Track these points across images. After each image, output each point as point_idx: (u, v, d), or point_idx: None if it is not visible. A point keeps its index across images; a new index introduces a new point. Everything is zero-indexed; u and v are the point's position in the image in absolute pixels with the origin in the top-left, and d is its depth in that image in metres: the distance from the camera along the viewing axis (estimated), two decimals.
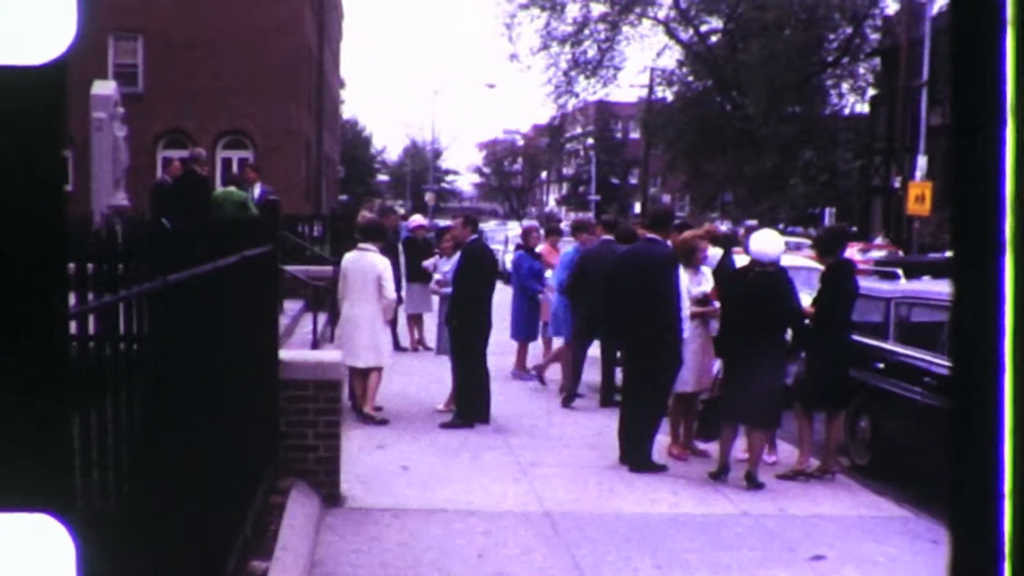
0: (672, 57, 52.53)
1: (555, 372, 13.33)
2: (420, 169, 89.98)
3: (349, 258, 10.88)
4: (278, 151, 34.36)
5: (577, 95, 52.84)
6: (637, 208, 64.12)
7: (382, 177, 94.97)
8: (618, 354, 11.43)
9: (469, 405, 10.81)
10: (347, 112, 77.27)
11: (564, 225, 22.60)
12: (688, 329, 9.43)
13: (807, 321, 9.26)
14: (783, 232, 14.18)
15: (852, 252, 20.67)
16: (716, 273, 10.17)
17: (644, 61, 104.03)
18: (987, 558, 1.17)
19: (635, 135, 76.38)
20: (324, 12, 44.73)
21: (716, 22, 50.91)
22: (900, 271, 17.92)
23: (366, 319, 10.59)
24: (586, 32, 50.21)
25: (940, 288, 9.88)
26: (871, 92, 51.40)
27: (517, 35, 63.78)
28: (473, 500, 8.12)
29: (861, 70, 51.17)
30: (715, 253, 10.67)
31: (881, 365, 9.73)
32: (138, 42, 34.58)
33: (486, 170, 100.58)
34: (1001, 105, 1.15)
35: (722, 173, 50.84)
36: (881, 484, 9.31)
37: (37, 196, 1.51)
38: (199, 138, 31.48)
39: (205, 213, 13.21)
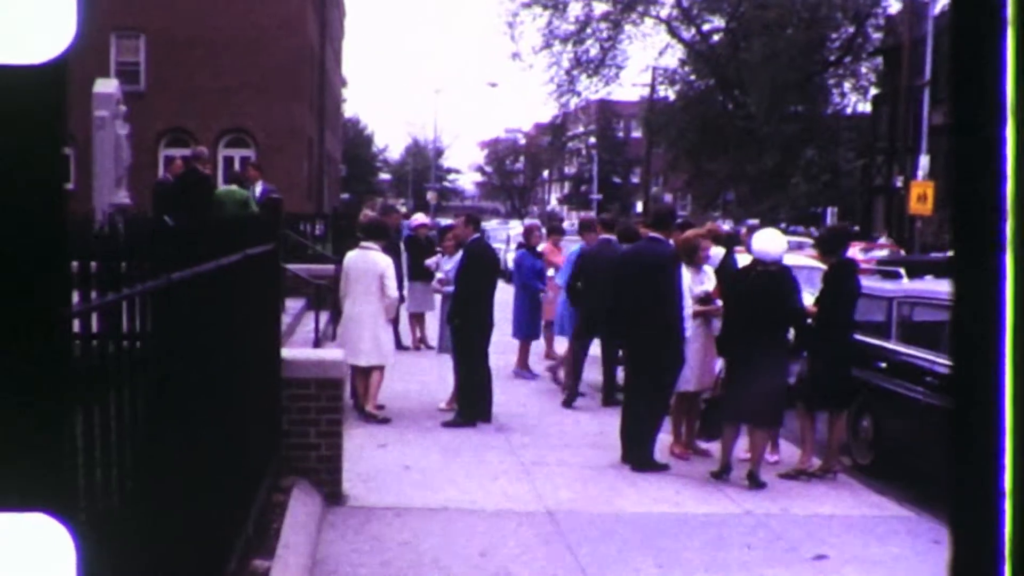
0: (674, 56, 52.53)
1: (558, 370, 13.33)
2: (422, 168, 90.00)
3: (351, 257, 10.88)
4: (280, 150, 34.37)
5: (579, 94, 52.83)
6: (639, 207, 64.13)
7: (384, 176, 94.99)
8: (620, 353, 11.43)
9: (471, 404, 10.81)
10: (349, 111, 77.40)
11: (568, 224, 22.61)
12: (690, 328, 9.43)
13: (809, 320, 9.26)
14: (784, 231, 14.16)
15: (854, 251, 20.66)
16: (718, 272, 10.17)
17: (646, 60, 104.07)
18: (987, 558, 1.17)
19: (637, 134, 76.39)
20: (326, 10, 44.72)
21: (718, 21, 50.89)
22: (902, 270, 17.92)
23: (368, 318, 10.59)
24: (588, 31, 50.18)
25: (942, 287, 9.87)
26: (873, 91, 51.38)
27: (519, 34, 63.66)
28: (475, 499, 8.13)
29: (863, 69, 51.14)
30: (717, 252, 10.66)
31: (883, 365, 9.73)
32: (140, 40, 34.61)
33: (488, 169, 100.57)
34: (1001, 105, 1.15)
35: (724, 172, 50.82)
36: (883, 484, 9.30)
37: (37, 196, 1.51)
38: (201, 136, 31.47)
39: (207, 211, 13.22)
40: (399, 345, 14.17)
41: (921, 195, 31.66)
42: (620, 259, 10.23)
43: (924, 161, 33.24)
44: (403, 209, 33.69)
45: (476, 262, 10.92)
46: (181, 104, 33.72)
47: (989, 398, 1.17)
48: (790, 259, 10.48)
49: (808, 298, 9.54)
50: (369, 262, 10.63)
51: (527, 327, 14.02)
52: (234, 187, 15.37)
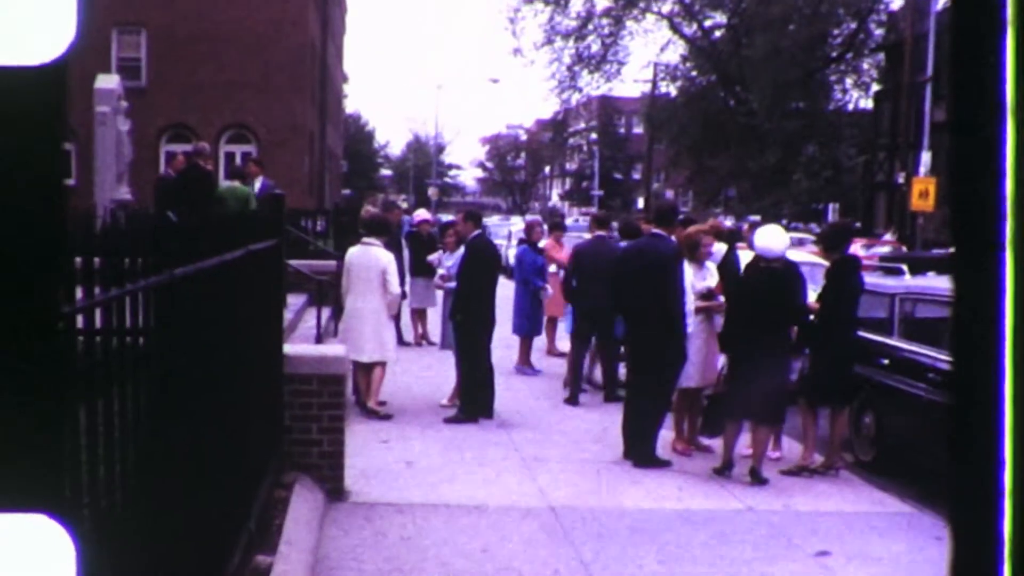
0: (676, 52, 52.56)
1: (559, 366, 13.34)
2: (423, 164, 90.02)
3: (353, 252, 10.88)
4: (281, 145, 34.35)
5: (580, 90, 52.88)
6: (640, 203, 64.11)
7: (385, 172, 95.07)
8: (621, 349, 11.43)
9: (473, 400, 10.82)
10: (350, 107, 77.43)
11: (573, 221, 22.58)
12: (692, 324, 9.43)
13: (812, 317, 9.26)
14: (786, 228, 14.10)
15: (856, 248, 20.63)
16: (720, 268, 10.17)
17: (648, 56, 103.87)
18: (987, 558, 1.18)
19: (638, 130, 76.40)
20: (328, 6, 44.69)
21: (720, 17, 50.91)
22: (905, 267, 17.91)
23: (370, 313, 10.60)
24: (590, 27, 50.20)
25: (944, 284, 9.87)
26: (875, 88, 51.32)
27: (521, 30, 63.87)
28: (477, 495, 8.13)
29: (865, 65, 51.12)
30: (719, 248, 10.66)
31: (885, 361, 9.73)
32: (141, 36, 34.58)
33: (489, 165, 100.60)
34: (1001, 105, 1.16)
35: (725, 168, 50.82)
36: (885, 480, 9.30)
37: (38, 196, 1.51)
38: (202, 132, 31.44)
39: (208, 207, 13.21)
40: (401, 341, 14.17)
41: (923, 191, 31.63)
42: (622, 255, 10.23)
43: (926, 157, 33.20)
44: (404, 205, 33.72)
45: (478, 258, 10.92)
46: (182, 100, 33.70)
47: (989, 398, 1.17)
48: (791, 256, 10.48)
49: (810, 295, 9.54)
50: (371, 258, 10.63)
51: (528, 324, 14.02)
52: (236, 184, 15.37)
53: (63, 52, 1.48)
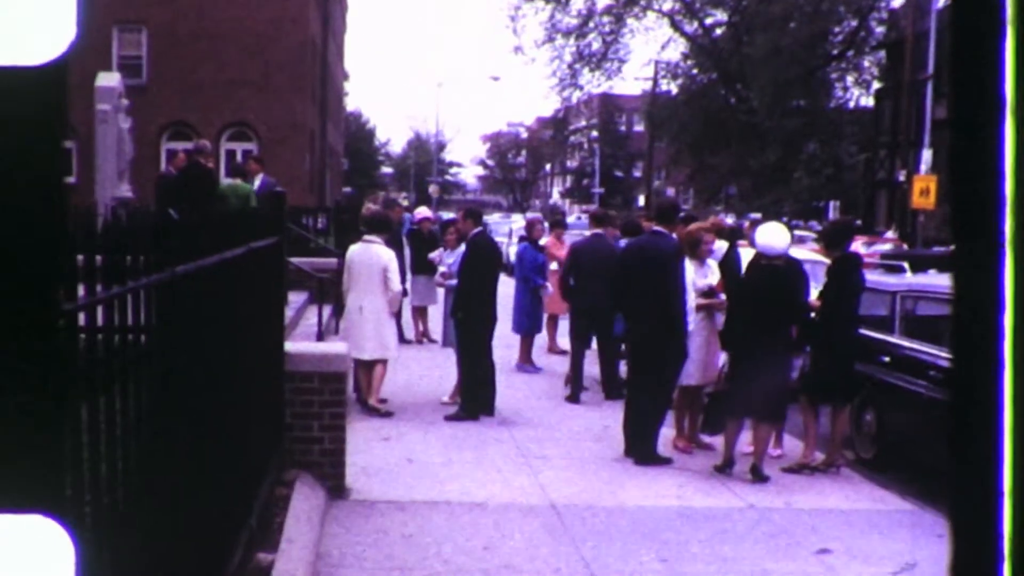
0: (677, 50, 52.56)
1: (560, 364, 13.34)
2: (424, 161, 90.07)
3: (354, 250, 10.88)
4: (282, 143, 34.37)
5: (581, 88, 52.90)
6: (641, 201, 64.14)
7: (386, 169, 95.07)
8: (622, 347, 11.42)
9: (474, 398, 10.81)
10: (351, 104, 77.43)
11: (575, 218, 22.56)
12: (693, 322, 9.42)
13: (813, 315, 9.25)
14: (787, 226, 14.07)
15: (857, 245, 20.65)
16: (722, 266, 10.16)
17: (649, 54, 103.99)
18: (987, 558, 1.17)
19: (639, 128, 76.40)
20: (328, 4, 44.68)
21: (721, 15, 50.92)
22: (906, 264, 17.92)
23: (371, 311, 10.59)
24: (591, 25, 50.20)
25: (945, 281, 9.86)
26: (876, 85, 51.32)
27: (522, 27, 63.91)
28: (478, 492, 8.13)
29: (866, 63, 51.11)
30: (720, 246, 10.66)
31: (887, 359, 9.72)
32: (142, 34, 34.58)
33: (490, 163, 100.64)
34: (1001, 104, 1.15)
35: (726, 166, 50.82)
36: (886, 477, 9.30)
37: (38, 196, 1.51)
38: (203, 130, 31.46)
39: (210, 205, 13.21)
40: (402, 339, 14.17)
41: (924, 189, 31.62)
42: (623, 253, 10.23)
43: (927, 155, 33.20)
44: (405, 203, 33.74)
45: (478, 256, 10.92)
46: (183, 98, 33.71)
47: (989, 397, 1.17)
48: (793, 253, 10.46)
49: (812, 292, 9.54)
50: (372, 256, 10.63)
51: (527, 322, 14.02)
52: (238, 181, 15.38)
53: (63, 52, 1.47)
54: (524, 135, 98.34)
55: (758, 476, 8.80)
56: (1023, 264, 1.15)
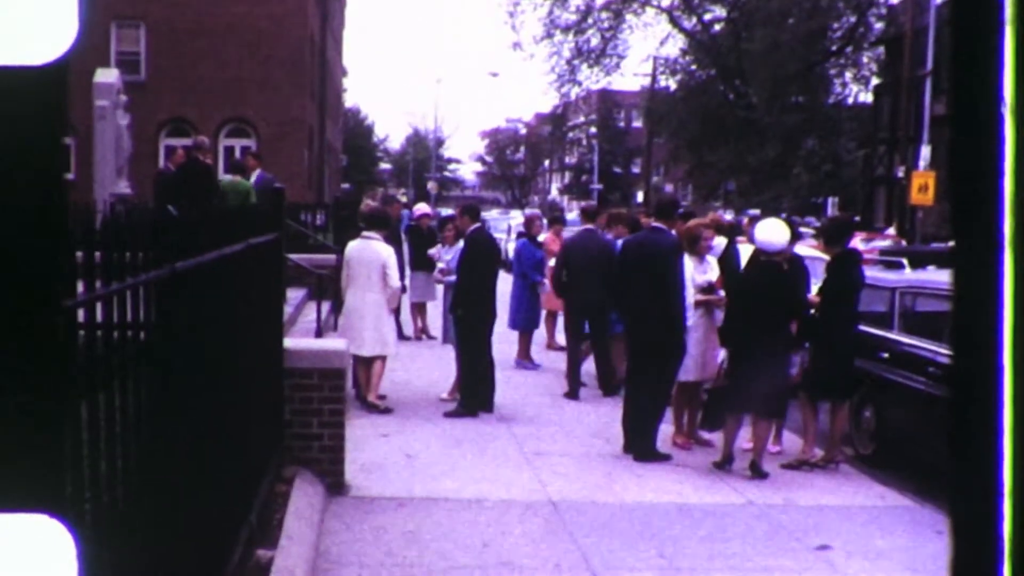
0: (675, 46, 52.50)
1: (559, 360, 13.33)
2: (422, 158, 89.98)
3: (353, 247, 10.87)
4: (281, 139, 34.36)
5: (580, 84, 52.82)
6: (640, 197, 64.13)
7: (384, 165, 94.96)
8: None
9: (473, 394, 10.81)
10: (349, 101, 77.32)
11: (575, 216, 22.52)
12: (692, 318, 9.43)
13: (812, 311, 9.26)
14: (787, 222, 14.00)
15: (855, 242, 20.66)
16: (721, 262, 10.16)
17: (647, 50, 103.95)
18: (987, 558, 1.17)
19: (638, 124, 76.40)
20: (327, 0, 44.65)
21: (719, 11, 50.84)
22: (905, 261, 17.92)
23: (370, 308, 10.59)
24: (589, 20, 50.13)
25: (944, 278, 9.87)
26: (875, 81, 51.31)
27: (520, 23, 63.99)
28: (477, 489, 8.13)
29: (865, 59, 51.07)
30: (720, 242, 10.66)
31: (886, 355, 9.73)
32: (140, 30, 34.54)
33: (488, 159, 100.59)
34: (1001, 104, 1.15)
35: (725, 162, 50.75)
36: (885, 474, 9.31)
37: (38, 196, 1.51)
38: (202, 126, 31.43)
39: (208, 201, 13.21)
40: (401, 335, 14.18)
41: (922, 185, 31.62)
42: (622, 250, 10.23)
43: (926, 151, 33.19)
44: (404, 199, 33.72)
45: (477, 252, 10.92)
46: (182, 94, 33.69)
47: (989, 398, 1.17)
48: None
49: (811, 288, 9.55)
50: (371, 252, 10.62)
51: (524, 318, 14.02)
52: (238, 179, 15.38)
53: (64, 52, 1.47)
54: (523, 131, 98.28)
55: (757, 472, 8.81)
56: (1023, 263, 1.15)
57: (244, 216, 6.54)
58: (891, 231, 35.99)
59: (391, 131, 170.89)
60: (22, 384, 1.52)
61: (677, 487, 8.50)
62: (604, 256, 11.96)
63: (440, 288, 13.60)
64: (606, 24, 50.29)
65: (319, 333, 12.25)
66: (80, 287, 2.75)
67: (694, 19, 50.89)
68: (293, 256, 14.08)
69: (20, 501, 1.48)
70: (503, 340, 12.89)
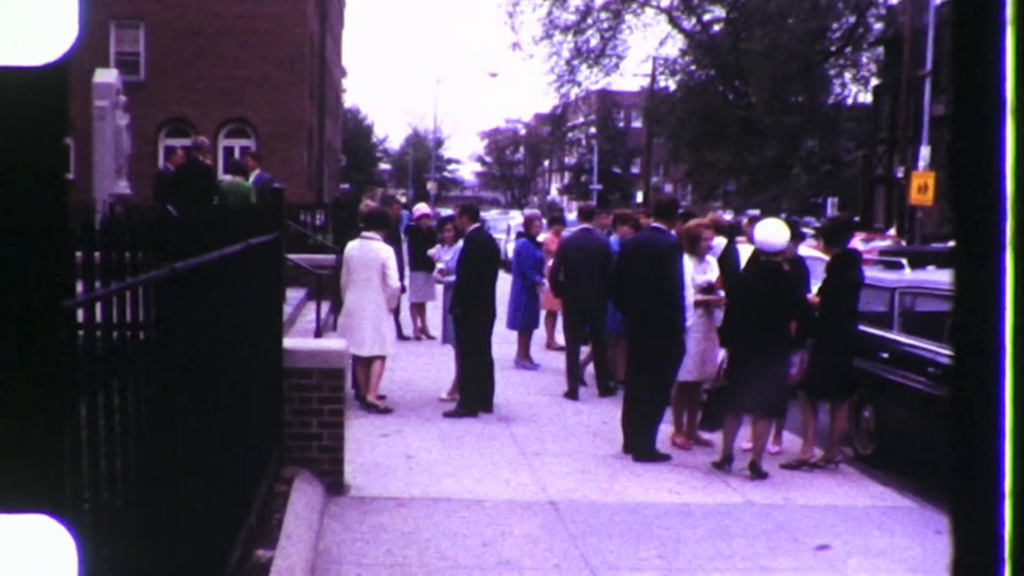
0: (675, 46, 52.46)
1: (558, 360, 13.33)
2: (422, 158, 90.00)
3: (352, 247, 10.87)
4: (281, 140, 34.36)
5: (579, 84, 52.77)
6: (639, 197, 64.12)
7: (384, 166, 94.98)
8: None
9: (473, 394, 10.81)
10: (349, 101, 77.35)
11: (575, 216, 22.47)
12: (691, 318, 9.42)
13: (813, 311, 9.25)
14: (787, 222, 13.91)
15: (855, 242, 20.66)
16: (720, 262, 10.16)
17: (647, 50, 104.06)
18: (987, 558, 1.17)
19: (637, 124, 76.41)
20: (326, 0, 44.65)
21: (719, 11, 50.80)
22: (904, 261, 17.92)
23: (370, 308, 10.59)
24: (589, 21, 50.09)
25: (944, 278, 9.87)
26: (874, 81, 51.30)
27: (520, 24, 63.98)
28: (477, 489, 8.13)
29: (864, 59, 51.05)
30: (719, 242, 10.66)
31: (885, 355, 9.73)
32: (140, 30, 34.54)
33: (488, 159, 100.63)
34: (1001, 105, 1.15)
35: (724, 162, 50.76)
36: (885, 474, 9.31)
37: (39, 197, 1.50)
38: (201, 127, 31.45)
39: (208, 201, 13.21)
40: (400, 335, 14.19)
41: (922, 185, 31.62)
42: (621, 250, 10.22)
43: (925, 151, 33.19)
44: (403, 199, 33.72)
45: (476, 252, 10.91)
46: (181, 94, 33.70)
47: (989, 399, 1.17)
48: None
49: (811, 288, 9.55)
50: (371, 252, 10.62)
51: (522, 318, 14.02)
52: (239, 179, 15.38)
53: (64, 52, 1.47)
54: (522, 131, 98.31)
55: (757, 472, 8.81)
56: (1023, 265, 1.15)
57: (244, 216, 6.54)
58: (892, 232, 36.00)
59: (390, 131, 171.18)
60: (22, 384, 1.52)
61: (677, 487, 8.50)
62: (601, 255, 11.97)
63: (440, 288, 13.59)
64: (605, 24, 50.26)
65: (318, 333, 12.25)
66: (79, 287, 2.74)
67: (693, 19, 50.86)
68: (293, 256, 14.08)
69: (20, 501, 1.48)
70: (503, 340, 12.89)
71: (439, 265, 13.36)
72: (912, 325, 9.75)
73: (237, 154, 31.38)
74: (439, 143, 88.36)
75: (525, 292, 13.99)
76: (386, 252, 10.67)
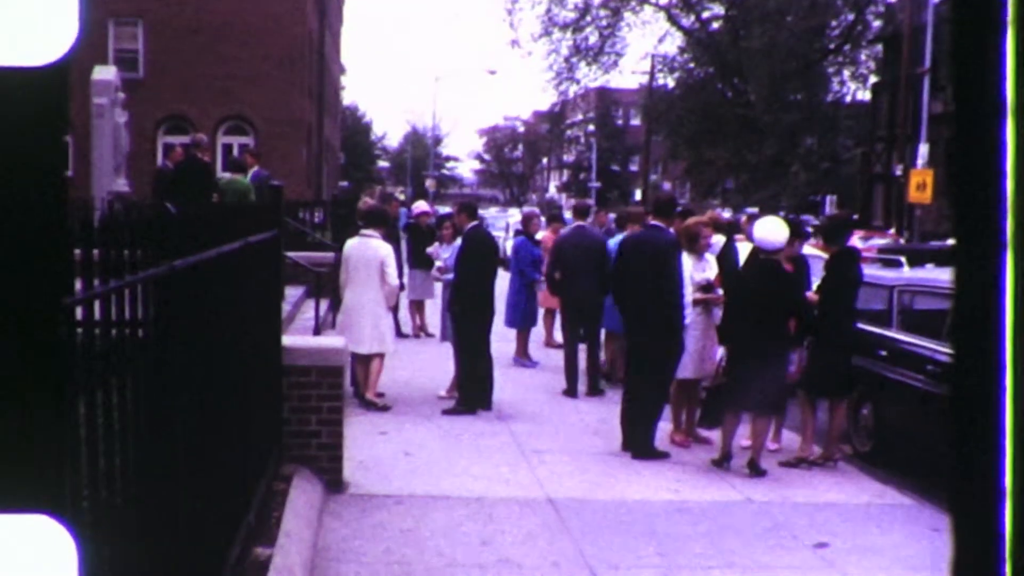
0: (674, 43, 52.47)
1: (557, 358, 13.34)
2: (420, 155, 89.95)
3: (351, 244, 10.87)
4: (279, 137, 34.33)
5: (578, 81, 52.78)
6: (638, 195, 64.13)
7: (382, 163, 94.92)
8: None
9: (471, 392, 10.81)
10: (347, 98, 77.20)
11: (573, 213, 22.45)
12: (690, 315, 9.43)
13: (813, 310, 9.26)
14: (785, 220, 13.88)
15: (853, 240, 20.67)
16: (719, 260, 10.16)
17: (645, 47, 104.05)
18: (987, 558, 1.17)
19: (636, 122, 76.35)
20: None
21: (718, 8, 50.81)
22: (903, 259, 17.93)
23: (369, 305, 10.59)
24: (588, 18, 50.09)
25: (943, 276, 9.88)
26: (873, 79, 51.31)
27: (518, 21, 63.90)
28: (476, 487, 8.13)
29: (863, 57, 51.08)
30: (718, 240, 10.66)
31: (884, 353, 9.73)
32: (138, 27, 34.51)
33: (487, 157, 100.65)
34: (1001, 105, 1.15)
35: (723, 160, 50.78)
36: (884, 471, 9.32)
37: (39, 196, 1.50)
38: (200, 124, 31.43)
39: (207, 199, 13.20)
40: (399, 333, 14.18)
41: (920, 183, 31.63)
42: (620, 247, 10.22)
43: (923, 149, 33.21)
44: (402, 197, 33.72)
45: (475, 250, 10.91)
46: (180, 91, 33.67)
47: (990, 398, 1.17)
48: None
49: (811, 286, 9.56)
50: (369, 250, 10.62)
51: (519, 316, 14.02)
52: (238, 177, 15.37)
53: (64, 53, 1.47)
54: (521, 129, 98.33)
55: (755, 470, 8.81)
56: (1023, 264, 1.15)
57: (242, 214, 6.53)
58: (892, 232, 36.02)
59: (389, 129, 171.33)
60: (22, 383, 1.52)
61: (675, 485, 8.50)
62: (597, 253, 11.96)
63: (438, 286, 13.59)
64: (604, 22, 50.25)
65: (317, 331, 12.24)
66: (78, 285, 2.74)
67: (692, 17, 50.86)
68: (292, 254, 14.07)
69: (20, 501, 1.48)
70: (501, 338, 12.89)
71: (438, 263, 13.36)
72: (911, 323, 9.75)
73: (236, 152, 31.36)
74: (438, 141, 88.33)
75: (523, 290, 13.99)
76: (385, 250, 10.67)
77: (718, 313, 9.57)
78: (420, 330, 16.07)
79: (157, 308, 3.60)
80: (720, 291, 9.64)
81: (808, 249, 14.30)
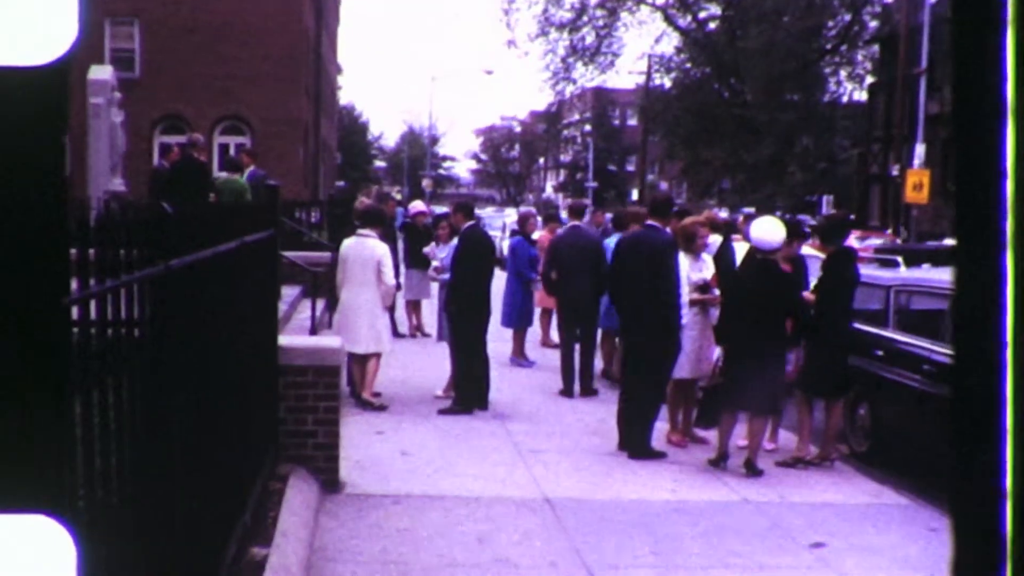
0: (670, 44, 52.58)
1: (554, 358, 13.34)
2: (417, 155, 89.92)
3: (348, 244, 10.87)
4: (276, 137, 34.28)
5: (575, 81, 52.89)
6: (635, 195, 64.17)
7: (379, 163, 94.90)
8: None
9: (468, 391, 10.81)
10: (344, 98, 77.12)
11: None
12: (687, 315, 9.43)
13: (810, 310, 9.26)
14: (782, 220, 13.83)
15: (850, 239, 20.67)
16: (716, 260, 10.16)
17: (642, 48, 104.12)
18: (988, 558, 1.17)
19: (633, 122, 76.45)
20: None
21: (715, 8, 50.88)
22: (900, 259, 17.95)
23: (365, 305, 10.58)
24: (584, 18, 50.17)
25: (939, 276, 9.89)
26: (869, 79, 51.36)
27: (515, 21, 63.95)
28: (472, 486, 8.13)
29: (860, 57, 51.17)
30: (715, 240, 10.66)
31: (881, 353, 9.74)
32: (135, 27, 34.45)
33: (483, 156, 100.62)
34: (1001, 105, 1.15)
35: (720, 160, 50.85)
36: (880, 471, 9.32)
37: (38, 196, 1.50)
38: (197, 123, 31.39)
39: (203, 199, 13.18)
40: (396, 332, 14.18)
41: (917, 183, 31.65)
42: (616, 247, 10.23)
43: (920, 149, 33.23)
44: (398, 196, 33.69)
45: (471, 250, 10.91)
46: (176, 91, 33.60)
47: (990, 398, 1.17)
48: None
49: (808, 285, 9.56)
50: (366, 249, 10.62)
51: (515, 316, 14.02)
52: (234, 177, 15.35)
53: (64, 52, 1.46)
54: (518, 129, 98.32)
55: (752, 470, 8.81)
56: (1023, 264, 1.15)
57: (239, 213, 6.52)
58: (890, 232, 36.04)
59: (386, 129, 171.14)
60: (21, 383, 1.51)
61: (672, 485, 8.50)
62: (593, 253, 11.97)
63: (435, 286, 13.58)
64: (601, 22, 50.33)
65: (314, 330, 12.23)
66: (74, 284, 2.74)
67: (689, 17, 50.93)
68: (288, 253, 14.05)
69: (20, 501, 1.48)
70: (497, 338, 12.89)
71: (434, 263, 13.36)
72: (908, 323, 9.76)
73: (232, 151, 31.32)
74: (434, 140, 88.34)
75: (520, 290, 13.99)
76: (381, 249, 10.67)
77: (715, 313, 9.58)
78: (416, 330, 16.07)
79: (153, 308, 3.59)
80: (717, 291, 9.64)
81: (805, 249, 14.34)
